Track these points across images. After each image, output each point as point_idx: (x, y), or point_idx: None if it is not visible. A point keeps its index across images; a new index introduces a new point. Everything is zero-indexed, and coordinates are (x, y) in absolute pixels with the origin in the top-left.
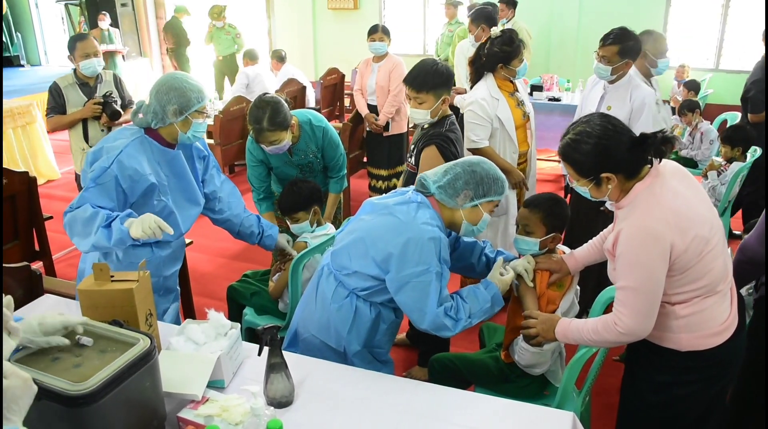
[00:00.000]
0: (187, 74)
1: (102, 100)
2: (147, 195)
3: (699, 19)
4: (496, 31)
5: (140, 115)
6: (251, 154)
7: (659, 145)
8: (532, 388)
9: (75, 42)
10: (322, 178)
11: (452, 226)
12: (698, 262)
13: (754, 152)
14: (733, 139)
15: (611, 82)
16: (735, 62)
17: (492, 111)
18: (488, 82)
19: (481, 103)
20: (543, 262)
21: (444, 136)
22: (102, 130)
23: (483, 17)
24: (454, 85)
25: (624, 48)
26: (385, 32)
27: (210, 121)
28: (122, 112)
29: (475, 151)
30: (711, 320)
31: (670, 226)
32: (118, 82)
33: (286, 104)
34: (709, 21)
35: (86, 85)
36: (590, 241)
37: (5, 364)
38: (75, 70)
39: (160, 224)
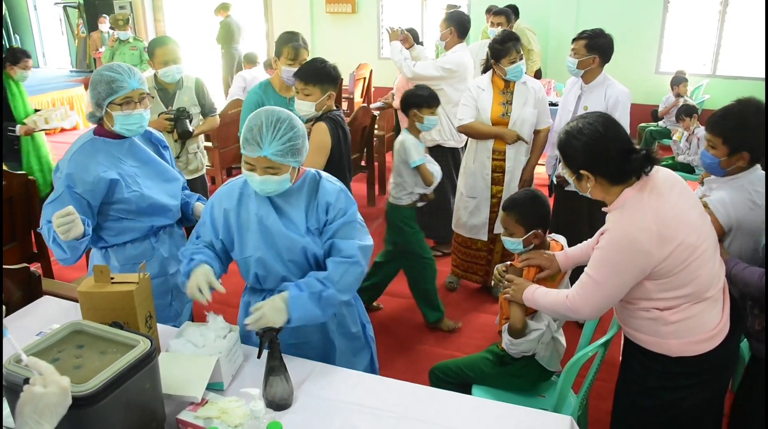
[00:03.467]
0: (114, 64)
1: (173, 116)
2: (114, 191)
3: (696, 25)
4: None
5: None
6: (256, 104)
7: (640, 162)
8: (530, 370)
9: (154, 48)
10: None
11: None
12: (683, 269)
13: None
14: None
15: (586, 81)
16: (732, 68)
17: (474, 96)
18: (486, 74)
19: (469, 88)
20: (533, 259)
21: (328, 118)
22: (176, 141)
23: (455, 21)
24: None
25: (591, 43)
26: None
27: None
28: (192, 132)
29: (462, 128)
30: (701, 326)
31: (651, 235)
32: (200, 89)
33: None
34: (707, 26)
35: (165, 90)
36: (585, 241)
37: (46, 366)
38: (155, 75)
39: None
